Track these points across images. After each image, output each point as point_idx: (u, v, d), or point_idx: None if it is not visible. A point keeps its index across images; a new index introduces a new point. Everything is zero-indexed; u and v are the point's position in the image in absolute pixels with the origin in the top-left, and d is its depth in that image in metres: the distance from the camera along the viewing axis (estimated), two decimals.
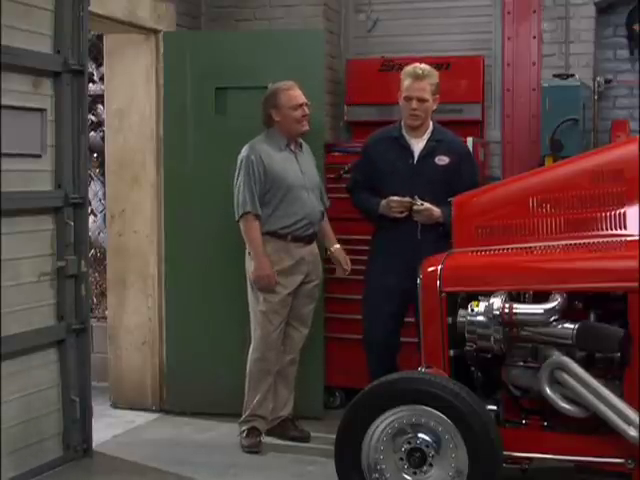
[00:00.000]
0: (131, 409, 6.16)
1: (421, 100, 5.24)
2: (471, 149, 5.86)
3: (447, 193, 4.95)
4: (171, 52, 5.99)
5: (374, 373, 5.21)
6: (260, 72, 5.76)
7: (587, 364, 4.05)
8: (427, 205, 5.16)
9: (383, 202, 5.23)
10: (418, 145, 5.32)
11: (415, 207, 5.16)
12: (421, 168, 5.28)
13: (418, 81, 5.25)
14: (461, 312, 4.22)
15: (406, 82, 5.29)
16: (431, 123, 5.38)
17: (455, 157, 5.30)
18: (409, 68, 5.34)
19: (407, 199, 5.18)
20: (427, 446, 4.00)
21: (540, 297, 4.14)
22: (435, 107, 5.35)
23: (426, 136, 5.34)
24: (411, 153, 5.31)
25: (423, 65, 5.33)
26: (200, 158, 5.96)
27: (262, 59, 5.83)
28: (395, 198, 5.19)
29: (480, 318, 4.12)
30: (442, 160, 5.28)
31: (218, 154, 5.82)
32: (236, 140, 5.51)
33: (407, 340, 5.37)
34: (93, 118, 6.87)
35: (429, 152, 5.30)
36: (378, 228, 5.43)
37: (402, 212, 5.20)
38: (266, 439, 5.54)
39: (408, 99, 5.27)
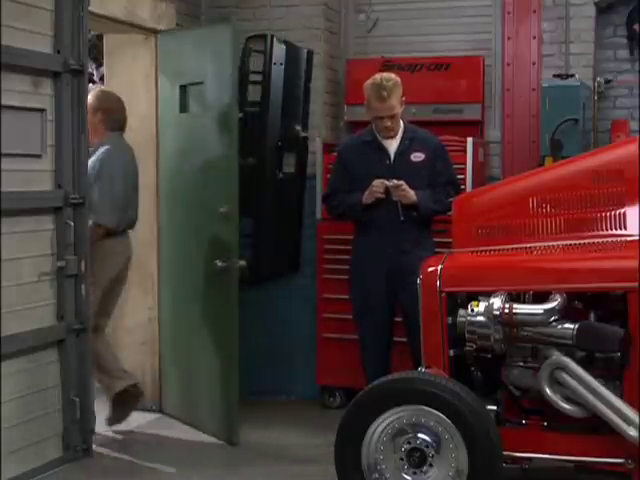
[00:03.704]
0: None
1: (392, 116, 5.33)
2: (471, 149, 5.87)
3: (427, 188, 5.29)
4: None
5: (368, 371, 5.38)
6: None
7: (587, 364, 4.05)
8: (402, 182, 5.25)
9: (366, 192, 5.31)
10: (392, 145, 5.40)
11: (390, 184, 5.24)
12: (398, 167, 5.37)
13: (385, 102, 5.31)
14: (461, 312, 4.22)
15: (373, 103, 5.35)
16: (401, 122, 5.44)
17: (430, 152, 5.40)
18: (371, 87, 5.36)
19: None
20: (427, 446, 4.00)
21: (540, 297, 4.15)
22: (404, 107, 5.41)
23: (399, 135, 5.42)
24: (387, 153, 5.39)
25: (384, 81, 5.33)
26: None
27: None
28: (377, 180, 5.28)
29: (480, 318, 4.13)
30: (418, 157, 5.38)
31: None
32: None
33: (406, 340, 5.39)
34: None
35: (404, 150, 5.39)
36: (358, 230, 5.51)
37: (382, 192, 5.28)
38: (266, 439, 5.55)
39: (380, 118, 5.35)
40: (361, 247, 5.48)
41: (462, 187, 5.65)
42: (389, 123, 5.34)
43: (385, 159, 5.39)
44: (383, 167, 5.38)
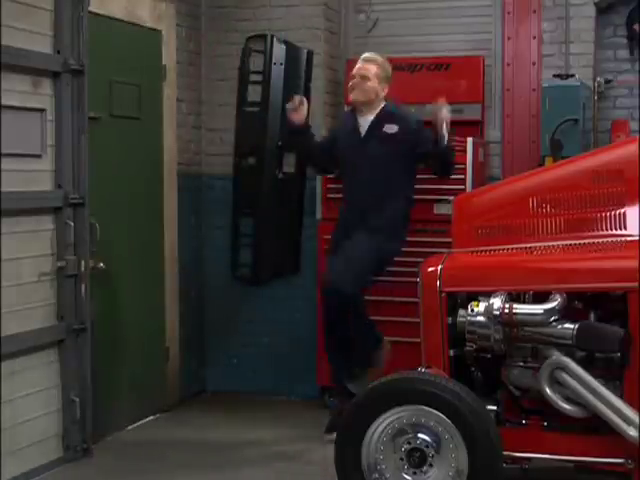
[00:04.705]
0: None
1: (363, 77, 5.48)
2: (471, 149, 5.87)
3: (409, 158, 5.38)
4: None
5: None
6: None
7: (587, 364, 4.05)
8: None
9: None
10: (367, 120, 5.52)
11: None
12: (368, 140, 5.49)
13: (365, 63, 5.53)
14: (461, 312, 4.23)
15: (357, 65, 5.60)
16: (384, 104, 5.54)
17: (406, 126, 5.45)
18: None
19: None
20: (427, 446, 4.00)
21: (540, 297, 4.15)
22: (382, 95, 5.50)
23: (375, 111, 5.52)
24: (359, 127, 5.54)
25: (372, 54, 5.63)
26: None
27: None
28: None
29: (480, 318, 4.13)
30: (391, 128, 5.46)
31: None
32: None
33: (406, 340, 5.40)
34: None
35: (376, 124, 5.49)
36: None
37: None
38: (266, 439, 5.55)
39: (352, 77, 5.55)
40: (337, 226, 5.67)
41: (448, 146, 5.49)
42: (356, 80, 5.48)
43: (357, 133, 5.53)
44: (356, 140, 5.52)
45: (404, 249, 5.62)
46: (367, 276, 5.35)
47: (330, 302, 5.33)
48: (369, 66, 5.50)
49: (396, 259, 5.55)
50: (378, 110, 5.51)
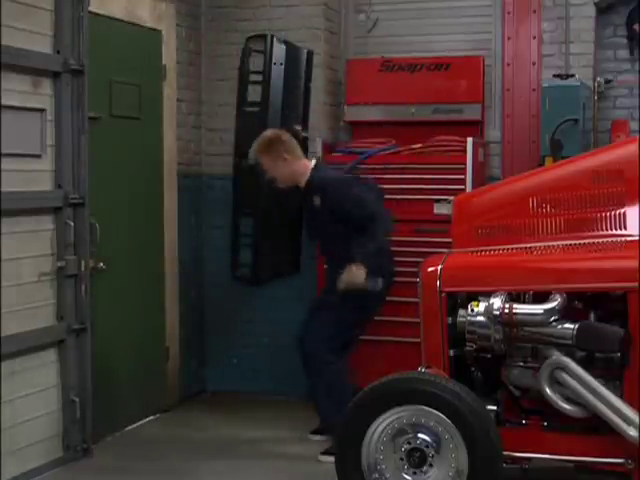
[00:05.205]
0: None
1: (266, 172, 5.35)
2: (471, 149, 5.87)
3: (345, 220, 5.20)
4: None
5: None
6: None
7: (587, 364, 4.05)
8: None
9: None
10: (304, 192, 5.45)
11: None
12: (307, 212, 5.55)
13: (257, 156, 5.36)
14: (461, 312, 4.23)
15: None
16: (310, 167, 5.39)
17: (325, 196, 5.33)
18: None
19: None
20: (427, 446, 4.00)
21: (540, 297, 4.15)
22: (295, 166, 5.36)
23: (304, 183, 5.41)
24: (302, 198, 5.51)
25: (260, 140, 5.34)
26: None
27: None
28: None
29: (480, 318, 4.13)
30: (316, 201, 5.37)
31: None
32: None
33: (406, 340, 5.40)
34: None
35: (308, 196, 5.41)
36: None
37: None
38: (266, 438, 5.55)
39: None
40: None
41: (369, 210, 5.25)
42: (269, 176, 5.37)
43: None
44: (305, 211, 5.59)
45: (404, 249, 5.63)
46: (336, 340, 5.30)
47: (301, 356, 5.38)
48: (261, 160, 5.34)
49: (396, 259, 5.54)
50: (306, 180, 5.38)
